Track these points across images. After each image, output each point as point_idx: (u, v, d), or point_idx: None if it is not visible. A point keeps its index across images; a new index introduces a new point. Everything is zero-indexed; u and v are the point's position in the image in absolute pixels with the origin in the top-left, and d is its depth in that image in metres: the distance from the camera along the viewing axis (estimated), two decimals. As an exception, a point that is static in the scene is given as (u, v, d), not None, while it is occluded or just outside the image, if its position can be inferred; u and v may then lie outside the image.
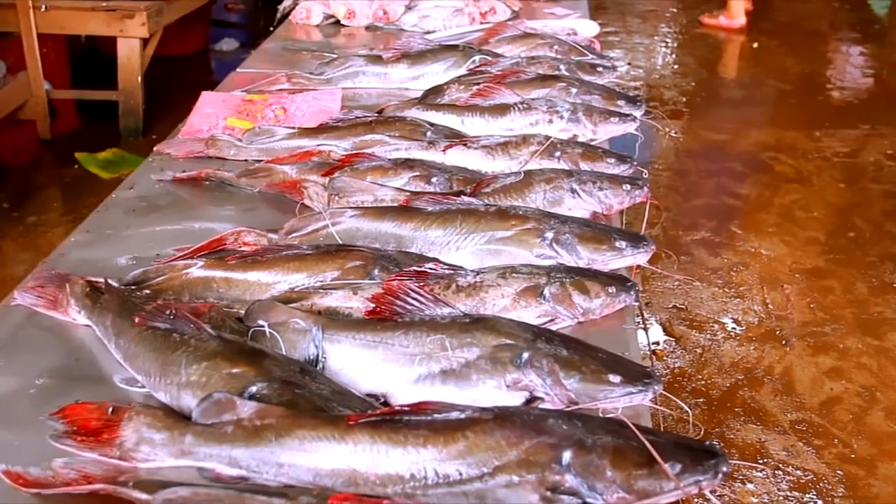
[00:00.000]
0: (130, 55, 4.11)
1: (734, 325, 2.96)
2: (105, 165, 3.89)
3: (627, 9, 6.41)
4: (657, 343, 2.85)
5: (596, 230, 1.56)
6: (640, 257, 1.55)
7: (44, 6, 4.03)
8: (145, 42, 4.15)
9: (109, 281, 1.40)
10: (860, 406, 2.61)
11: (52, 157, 4.10)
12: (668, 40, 5.92)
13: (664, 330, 2.92)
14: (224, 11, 6.19)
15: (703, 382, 2.69)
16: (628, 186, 1.75)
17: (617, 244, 1.54)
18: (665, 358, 2.79)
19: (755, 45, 5.59)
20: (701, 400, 2.61)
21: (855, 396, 2.65)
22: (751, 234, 3.47)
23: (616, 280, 1.44)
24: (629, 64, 5.32)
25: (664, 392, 1.21)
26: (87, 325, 1.38)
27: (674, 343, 2.87)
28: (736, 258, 3.32)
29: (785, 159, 4.01)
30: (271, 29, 3.35)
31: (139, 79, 4.14)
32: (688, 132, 4.32)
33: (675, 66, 5.38)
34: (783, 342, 2.89)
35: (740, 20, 6.51)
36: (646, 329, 2.55)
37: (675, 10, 6.79)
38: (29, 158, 4.09)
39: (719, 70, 5.05)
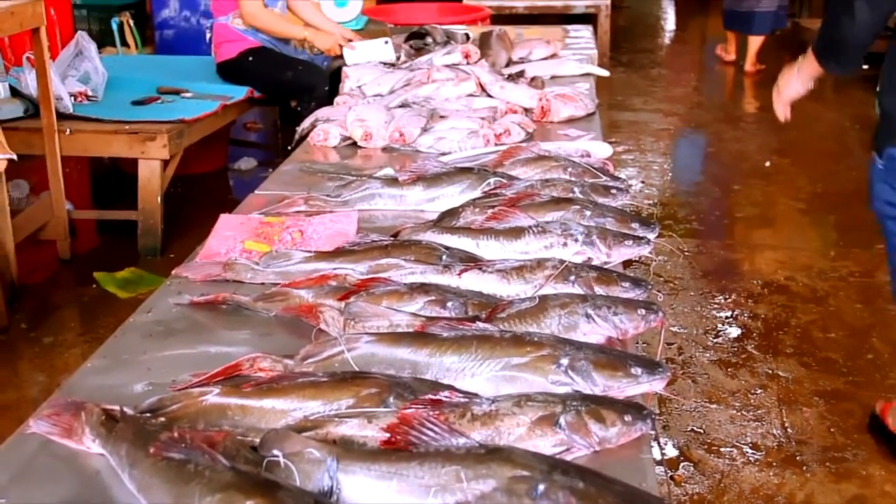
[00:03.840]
0: (151, 176, 4.18)
1: (753, 450, 2.92)
2: (123, 285, 3.92)
3: (641, 128, 6.51)
4: (675, 468, 2.81)
5: (611, 356, 1.56)
6: (657, 384, 1.55)
7: (68, 130, 4.12)
8: (166, 163, 4.23)
9: (125, 409, 1.40)
10: (885, 534, 2.56)
11: (70, 276, 4.14)
12: (680, 159, 5.99)
13: (682, 454, 2.89)
14: (243, 131, 6.31)
15: (723, 509, 2.64)
16: (643, 311, 1.75)
17: (633, 371, 1.53)
18: (683, 483, 2.75)
19: (767, 163, 5.65)
20: (722, 527, 2.56)
21: (879, 526, 2.60)
22: (768, 355, 3.45)
23: (632, 408, 1.43)
24: (643, 182, 5.38)
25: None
26: (102, 454, 1.37)
27: (692, 468, 2.83)
28: (753, 380, 3.30)
29: (800, 279, 4.01)
30: (289, 148, 3.41)
31: (159, 199, 4.20)
32: (702, 251, 4.34)
33: (689, 185, 5.44)
34: (804, 468, 2.85)
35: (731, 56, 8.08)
36: (662, 455, 2.52)
37: (689, 129, 6.90)
38: (48, 277, 4.14)
39: (732, 188, 5.09)
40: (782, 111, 2.79)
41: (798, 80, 2.71)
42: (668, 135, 6.52)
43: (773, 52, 7.96)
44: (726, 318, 3.73)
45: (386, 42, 4.08)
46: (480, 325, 1.63)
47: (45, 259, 4.21)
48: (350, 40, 4.49)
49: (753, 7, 7.52)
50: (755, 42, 7.90)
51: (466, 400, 1.40)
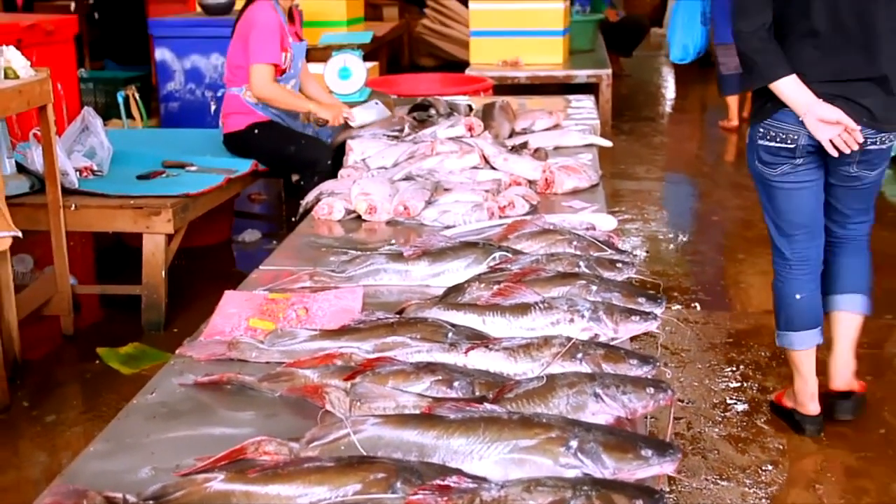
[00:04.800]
0: (155, 251, 4.18)
1: (766, 529, 2.88)
2: (126, 360, 3.90)
3: (644, 197, 6.52)
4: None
5: (621, 438, 1.54)
6: (667, 466, 1.52)
7: (73, 205, 4.13)
8: (170, 238, 4.23)
9: (128, 497, 1.38)
10: None
11: (73, 351, 4.12)
12: (684, 228, 5.99)
13: (694, 533, 2.84)
14: (247, 202, 6.33)
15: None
16: (652, 389, 1.73)
17: (643, 453, 1.51)
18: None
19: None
20: None
21: None
22: (778, 430, 3.40)
23: (643, 492, 1.41)
24: (647, 252, 5.37)
25: None
26: (103, 545, 1.35)
27: (705, 547, 2.78)
28: (764, 455, 3.25)
29: (808, 349, 3.97)
30: (294, 220, 3.42)
31: (163, 274, 4.20)
32: (709, 322, 4.32)
33: (693, 254, 5.43)
34: (818, 545, 2.80)
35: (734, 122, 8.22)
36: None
37: (692, 197, 6.92)
38: (50, 353, 4.12)
39: (737, 256, 5.09)
40: (827, 137, 2.93)
41: (804, 112, 2.92)
42: (670, 203, 6.53)
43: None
44: (735, 391, 3.70)
45: (376, 103, 4.61)
46: (488, 406, 1.61)
47: (47, 334, 4.19)
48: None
49: (721, 70, 7.77)
50: (731, 101, 8.25)
51: (475, 485, 1.38)
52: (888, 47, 2.88)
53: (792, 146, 2.99)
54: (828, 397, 3.36)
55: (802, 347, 3.23)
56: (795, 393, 3.33)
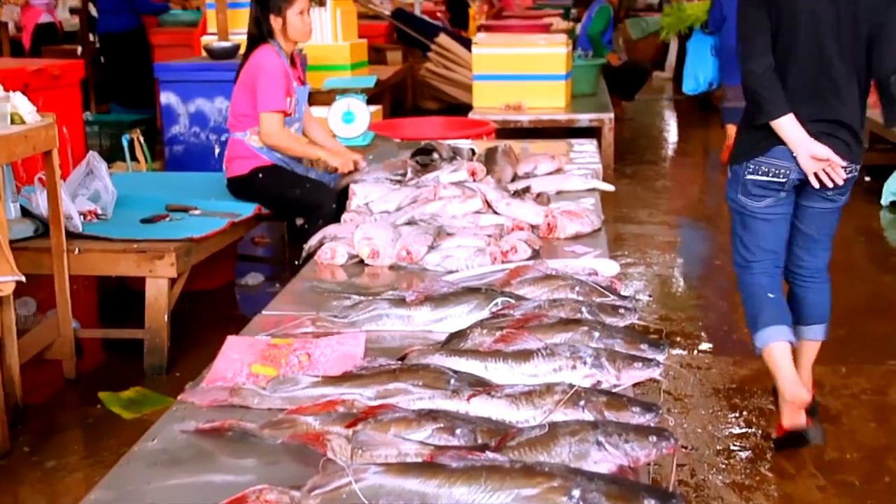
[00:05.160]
0: (158, 295, 4.18)
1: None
2: (128, 405, 3.89)
3: (646, 240, 6.53)
4: None
5: (624, 488, 1.53)
6: (671, 515, 1.52)
7: (77, 249, 4.14)
8: (173, 281, 4.23)
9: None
10: None
11: (75, 395, 4.11)
12: (687, 272, 6.00)
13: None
14: (251, 245, 6.35)
15: None
16: (655, 438, 1.73)
17: (646, 502, 1.51)
18: None
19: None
20: None
21: None
22: (783, 478, 3.38)
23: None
24: (650, 296, 5.37)
25: None
26: None
27: None
28: (769, 503, 3.23)
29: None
30: (297, 263, 3.42)
31: (165, 318, 4.20)
32: (711, 367, 4.31)
33: (696, 298, 5.42)
34: None
35: None
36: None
37: (694, 241, 6.92)
38: (52, 397, 4.11)
39: (739, 302, 5.07)
40: (814, 171, 3.29)
41: (797, 147, 3.25)
42: (673, 247, 6.54)
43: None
44: (739, 437, 3.68)
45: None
46: (490, 454, 1.61)
47: (49, 378, 4.18)
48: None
49: (724, 104, 7.83)
50: (730, 129, 8.19)
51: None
52: (849, 99, 3.27)
53: (783, 180, 3.32)
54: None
55: (780, 339, 3.43)
56: (782, 405, 3.48)
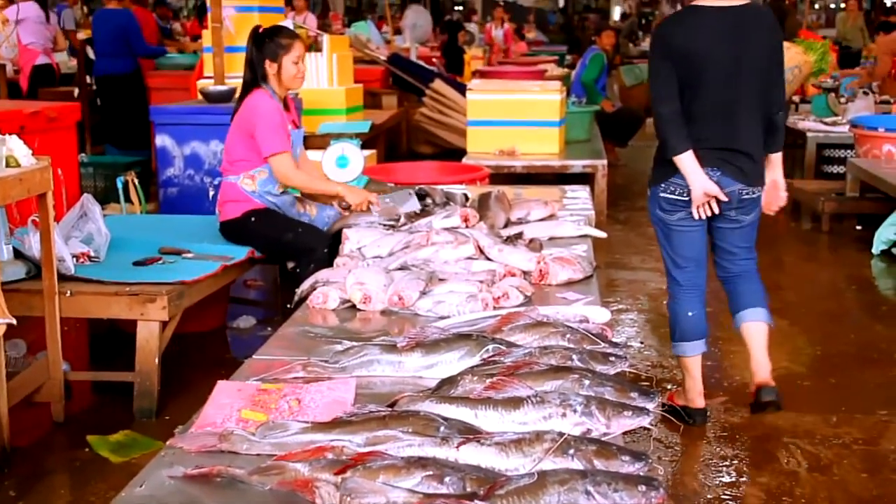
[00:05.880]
0: (149, 338, 4.18)
1: None
2: (116, 448, 3.87)
3: (638, 287, 6.54)
4: None
5: (612, 538, 1.53)
6: (659, 566, 1.52)
7: (69, 292, 4.14)
8: (164, 324, 4.23)
9: None
10: None
11: (63, 438, 4.08)
12: (679, 319, 5.99)
13: None
14: (243, 288, 6.34)
15: None
16: (644, 487, 1.74)
17: (635, 553, 1.50)
18: None
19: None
20: None
21: None
22: (772, 526, 3.37)
23: None
24: (641, 342, 5.37)
25: None
26: None
27: None
28: (758, 551, 3.22)
29: (803, 445, 3.94)
30: (289, 307, 3.43)
31: (156, 361, 4.18)
32: (703, 414, 4.29)
33: (688, 346, 5.41)
34: None
35: None
36: None
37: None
38: (40, 439, 4.08)
39: (731, 350, 5.08)
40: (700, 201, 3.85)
41: (692, 182, 3.80)
42: (665, 294, 6.52)
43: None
44: (729, 486, 3.66)
45: (410, 193, 4.44)
46: (478, 503, 1.60)
47: (37, 420, 4.15)
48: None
49: None
50: None
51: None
52: (746, 130, 3.81)
53: (687, 198, 3.84)
54: (755, 392, 4.12)
55: (693, 354, 4.06)
56: (686, 391, 4.14)
